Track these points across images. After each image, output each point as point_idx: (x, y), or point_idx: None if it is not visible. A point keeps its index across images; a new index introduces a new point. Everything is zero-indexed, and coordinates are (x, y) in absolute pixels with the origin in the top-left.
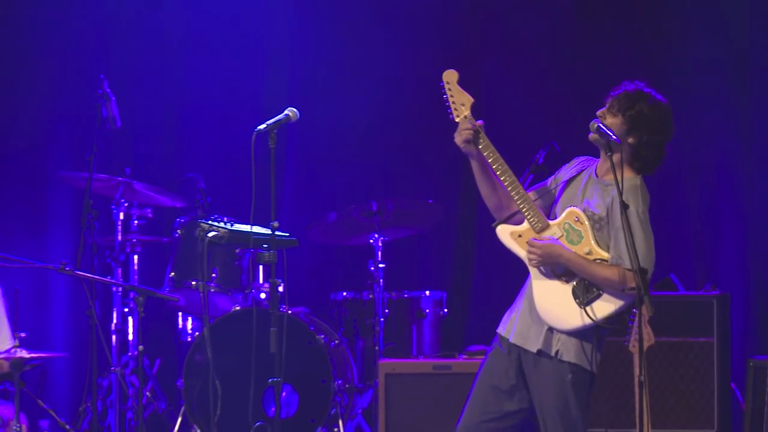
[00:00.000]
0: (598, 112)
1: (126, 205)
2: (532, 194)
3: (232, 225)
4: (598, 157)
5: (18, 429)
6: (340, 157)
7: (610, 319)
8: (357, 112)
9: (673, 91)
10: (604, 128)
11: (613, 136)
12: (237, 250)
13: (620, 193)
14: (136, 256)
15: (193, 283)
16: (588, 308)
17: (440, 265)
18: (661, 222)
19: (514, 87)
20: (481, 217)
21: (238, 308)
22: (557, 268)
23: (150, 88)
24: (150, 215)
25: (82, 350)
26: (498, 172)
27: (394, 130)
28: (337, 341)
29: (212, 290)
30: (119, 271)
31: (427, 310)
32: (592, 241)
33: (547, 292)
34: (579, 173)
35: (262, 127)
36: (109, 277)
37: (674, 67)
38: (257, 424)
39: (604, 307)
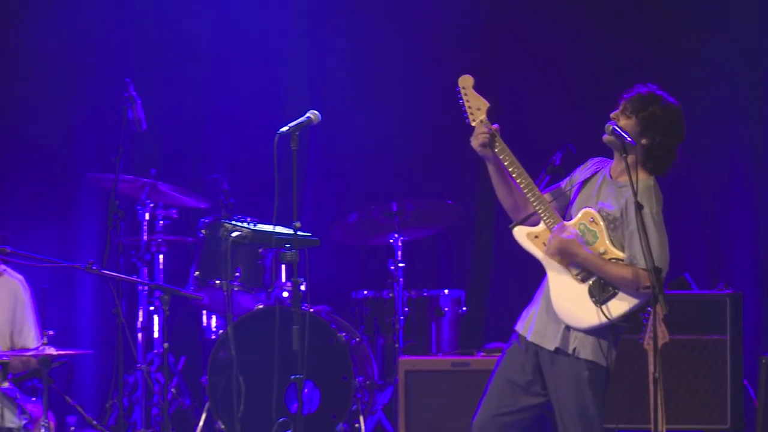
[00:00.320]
0: (612, 114)
1: (151, 205)
2: (547, 196)
3: (255, 225)
4: (611, 157)
5: (46, 425)
6: (361, 158)
7: (626, 317)
8: (377, 115)
9: (685, 93)
10: (619, 130)
11: (628, 138)
12: (260, 250)
13: (635, 194)
14: (161, 256)
15: (217, 282)
16: (604, 307)
17: (459, 264)
18: (675, 222)
19: (531, 91)
20: (499, 217)
21: (261, 306)
22: (573, 267)
23: (175, 91)
24: (175, 216)
25: (109, 348)
26: (514, 175)
27: (413, 133)
28: (358, 339)
29: (236, 289)
30: (145, 270)
31: (446, 309)
32: (607, 241)
33: (564, 291)
34: (594, 174)
35: (284, 129)
36: (135, 276)
37: (687, 69)
38: (280, 420)
39: (620, 305)
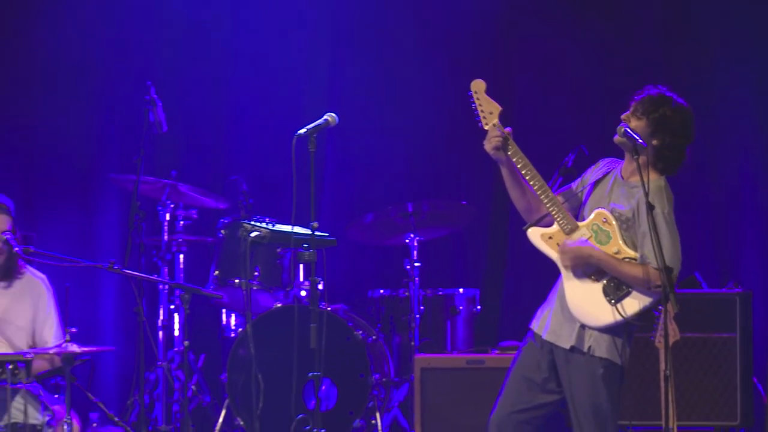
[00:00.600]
0: (623, 116)
1: (172, 206)
2: (559, 197)
3: (273, 225)
4: (622, 158)
5: (69, 422)
6: (378, 160)
7: (640, 315)
8: (394, 117)
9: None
10: (631, 132)
11: (640, 140)
12: (278, 250)
13: (646, 195)
14: (181, 256)
15: (237, 281)
16: (618, 305)
17: (473, 263)
18: (686, 222)
19: (544, 93)
20: (513, 218)
21: (279, 305)
22: (588, 268)
23: (195, 94)
24: (195, 216)
25: (130, 346)
26: (527, 177)
27: (429, 135)
28: (374, 337)
29: (255, 288)
30: (166, 269)
31: (461, 307)
32: (620, 241)
33: (579, 291)
34: (605, 175)
35: (302, 131)
36: (155, 276)
37: (697, 71)
38: (298, 416)
39: (634, 304)
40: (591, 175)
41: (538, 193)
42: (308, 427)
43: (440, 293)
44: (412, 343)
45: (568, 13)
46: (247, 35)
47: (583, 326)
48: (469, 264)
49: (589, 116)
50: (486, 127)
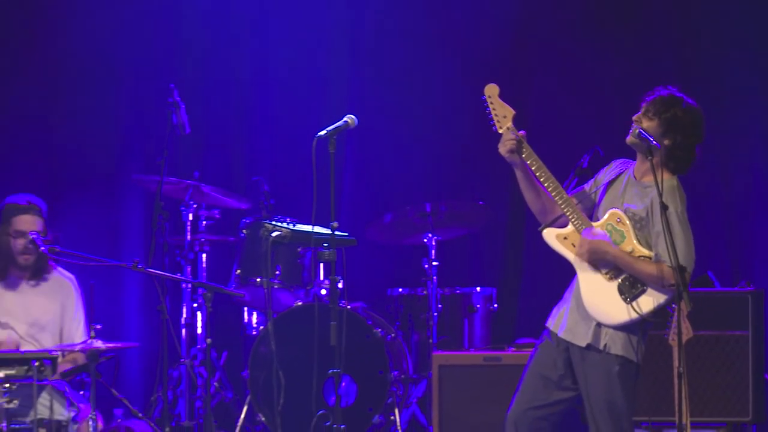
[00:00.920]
0: (635, 117)
1: (195, 206)
2: (573, 198)
3: (294, 225)
4: (634, 159)
5: (94, 418)
6: (396, 161)
7: (655, 312)
8: (412, 119)
9: (708, 95)
10: (645, 134)
11: (654, 141)
12: (299, 249)
13: (660, 195)
14: (204, 255)
15: (258, 279)
16: (634, 303)
17: (490, 262)
18: (698, 222)
19: (559, 96)
20: (529, 218)
21: (300, 303)
22: (603, 265)
23: (217, 96)
24: (217, 216)
25: (154, 343)
26: (542, 179)
27: (447, 136)
28: (393, 334)
29: (276, 286)
30: (188, 268)
31: (478, 306)
32: (634, 240)
33: (595, 289)
34: (618, 176)
35: (322, 133)
36: (179, 275)
37: (709, 72)
38: (318, 412)
39: (649, 301)
40: (604, 176)
41: (553, 194)
42: (328, 423)
43: (458, 292)
44: (430, 341)
45: (582, 17)
46: (269, 39)
47: (599, 324)
48: (486, 263)
49: (604, 117)
50: (500, 131)
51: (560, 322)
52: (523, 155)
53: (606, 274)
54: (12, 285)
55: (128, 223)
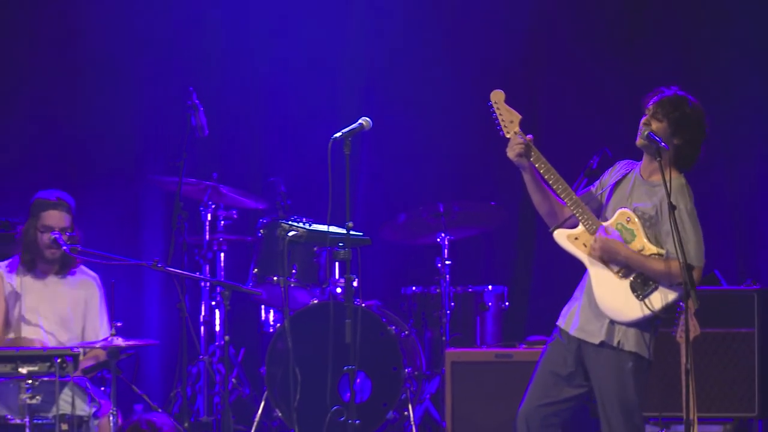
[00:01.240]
0: (643, 121)
1: (213, 207)
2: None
3: (310, 225)
4: (640, 159)
5: (114, 413)
6: (410, 162)
7: (666, 309)
8: (426, 121)
9: (714, 95)
10: (654, 137)
11: (662, 143)
12: (315, 248)
13: (668, 195)
14: (222, 254)
15: (275, 278)
16: (647, 300)
17: (502, 262)
18: (704, 221)
19: (569, 98)
20: (540, 218)
21: (316, 301)
22: (615, 264)
23: (236, 99)
24: (235, 216)
25: (173, 340)
26: (550, 181)
27: (459, 137)
28: (407, 332)
29: (292, 285)
30: (207, 267)
31: (490, 304)
32: (644, 239)
33: (607, 288)
34: (624, 176)
35: (337, 135)
36: (197, 273)
37: (716, 73)
38: (334, 408)
39: (661, 298)
40: (610, 177)
41: (562, 196)
42: (343, 418)
43: (470, 290)
44: (443, 338)
45: (591, 22)
46: (285, 44)
47: (612, 322)
48: (498, 262)
49: (613, 119)
50: (508, 136)
51: (571, 320)
52: (532, 158)
53: (618, 272)
54: (39, 276)
55: (148, 223)
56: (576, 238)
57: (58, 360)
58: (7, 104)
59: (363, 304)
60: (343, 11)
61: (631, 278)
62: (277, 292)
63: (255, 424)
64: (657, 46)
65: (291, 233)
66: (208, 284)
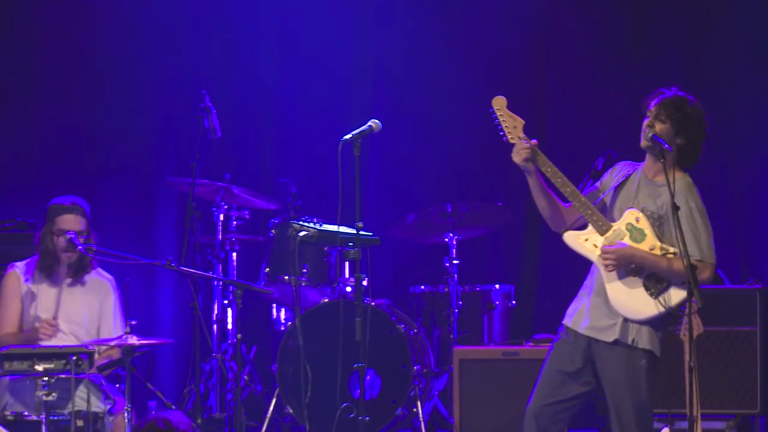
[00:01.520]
0: (646, 123)
1: (226, 207)
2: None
3: (321, 225)
4: (643, 160)
5: (129, 410)
6: (419, 163)
7: (681, 305)
8: (434, 122)
9: (716, 90)
10: (658, 138)
11: (666, 145)
12: (325, 248)
13: (672, 195)
14: (234, 254)
15: (286, 277)
16: (660, 298)
17: (509, 261)
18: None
19: (574, 99)
20: None
21: (326, 300)
22: (629, 266)
23: (247, 102)
24: (247, 216)
25: (186, 338)
26: (558, 184)
27: (467, 139)
28: (415, 330)
29: (303, 284)
30: (219, 267)
31: (497, 302)
32: (654, 238)
33: (621, 287)
34: (628, 177)
35: (347, 137)
36: (210, 273)
37: (719, 74)
38: (344, 405)
39: (674, 295)
40: (611, 179)
41: (570, 198)
42: (353, 415)
43: (477, 289)
44: (451, 336)
45: (596, 24)
46: (296, 46)
47: (626, 320)
48: (505, 261)
49: (617, 121)
50: (512, 141)
51: (580, 318)
52: (538, 162)
53: (631, 272)
54: (55, 282)
55: (162, 223)
56: (586, 239)
57: (74, 357)
58: (24, 106)
59: (373, 303)
60: (352, 17)
61: (644, 276)
62: (289, 291)
63: (267, 420)
64: (660, 48)
65: (302, 233)
66: (220, 283)
